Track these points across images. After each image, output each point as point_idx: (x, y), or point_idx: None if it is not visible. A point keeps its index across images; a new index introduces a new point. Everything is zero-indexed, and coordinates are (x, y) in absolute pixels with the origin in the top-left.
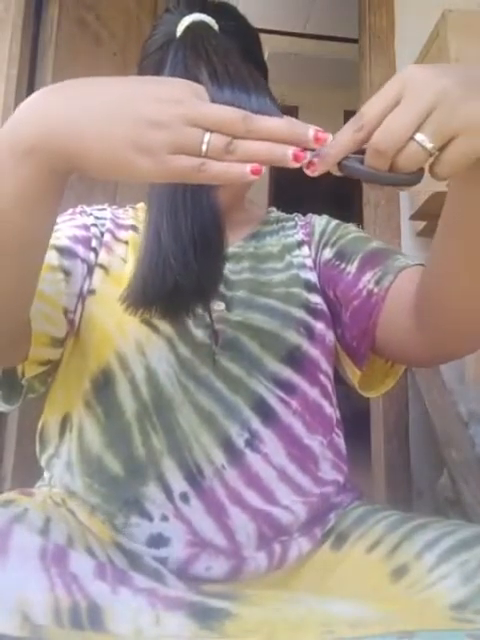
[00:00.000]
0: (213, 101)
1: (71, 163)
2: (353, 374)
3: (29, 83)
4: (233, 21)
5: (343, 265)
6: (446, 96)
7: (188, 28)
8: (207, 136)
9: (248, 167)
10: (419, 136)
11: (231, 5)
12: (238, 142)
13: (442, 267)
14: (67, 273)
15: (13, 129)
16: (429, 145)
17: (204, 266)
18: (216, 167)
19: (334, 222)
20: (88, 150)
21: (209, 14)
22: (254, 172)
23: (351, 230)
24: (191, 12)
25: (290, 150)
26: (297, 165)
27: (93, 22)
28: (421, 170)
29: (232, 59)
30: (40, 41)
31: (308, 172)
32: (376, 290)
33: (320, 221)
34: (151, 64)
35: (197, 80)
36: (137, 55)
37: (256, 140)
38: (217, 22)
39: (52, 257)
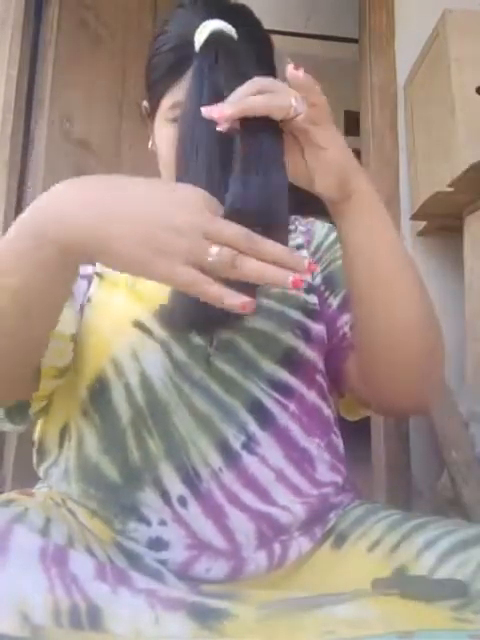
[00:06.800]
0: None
1: (91, 257)
2: (334, 398)
3: (29, 83)
4: (250, 27)
5: (327, 294)
6: None
7: (208, 42)
8: (215, 249)
9: (240, 301)
10: None
11: (247, 7)
12: (244, 259)
13: (357, 317)
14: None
15: (34, 220)
16: None
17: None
18: (211, 291)
19: (332, 237)
20: (109, 248)
21: (226, 16)
22: (243, 308)
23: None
24: (208, 12)
25: (291, 277)
26: (294, 290)
27: (93, 22)
28: None
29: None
30: (40, 41)
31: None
32: (349, 335)
33: (320, 231)
34: (163, 64)
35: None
36: (137, 55)
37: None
38: (234, 27)
39: None
